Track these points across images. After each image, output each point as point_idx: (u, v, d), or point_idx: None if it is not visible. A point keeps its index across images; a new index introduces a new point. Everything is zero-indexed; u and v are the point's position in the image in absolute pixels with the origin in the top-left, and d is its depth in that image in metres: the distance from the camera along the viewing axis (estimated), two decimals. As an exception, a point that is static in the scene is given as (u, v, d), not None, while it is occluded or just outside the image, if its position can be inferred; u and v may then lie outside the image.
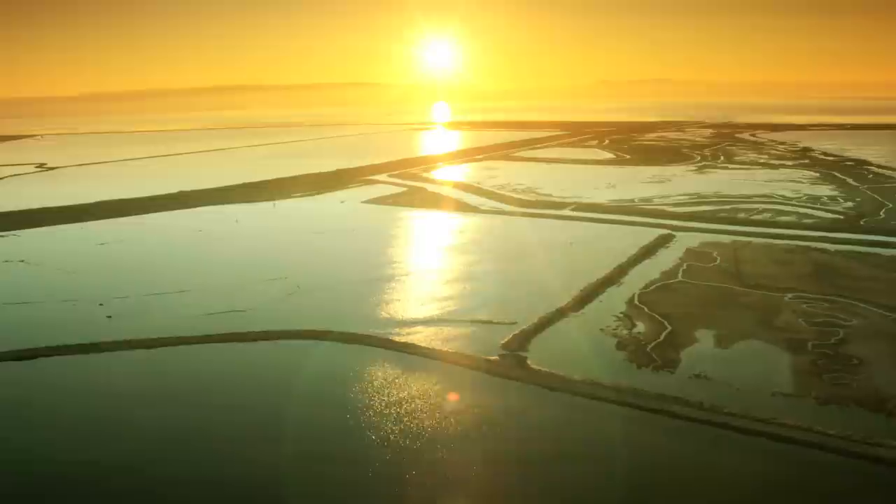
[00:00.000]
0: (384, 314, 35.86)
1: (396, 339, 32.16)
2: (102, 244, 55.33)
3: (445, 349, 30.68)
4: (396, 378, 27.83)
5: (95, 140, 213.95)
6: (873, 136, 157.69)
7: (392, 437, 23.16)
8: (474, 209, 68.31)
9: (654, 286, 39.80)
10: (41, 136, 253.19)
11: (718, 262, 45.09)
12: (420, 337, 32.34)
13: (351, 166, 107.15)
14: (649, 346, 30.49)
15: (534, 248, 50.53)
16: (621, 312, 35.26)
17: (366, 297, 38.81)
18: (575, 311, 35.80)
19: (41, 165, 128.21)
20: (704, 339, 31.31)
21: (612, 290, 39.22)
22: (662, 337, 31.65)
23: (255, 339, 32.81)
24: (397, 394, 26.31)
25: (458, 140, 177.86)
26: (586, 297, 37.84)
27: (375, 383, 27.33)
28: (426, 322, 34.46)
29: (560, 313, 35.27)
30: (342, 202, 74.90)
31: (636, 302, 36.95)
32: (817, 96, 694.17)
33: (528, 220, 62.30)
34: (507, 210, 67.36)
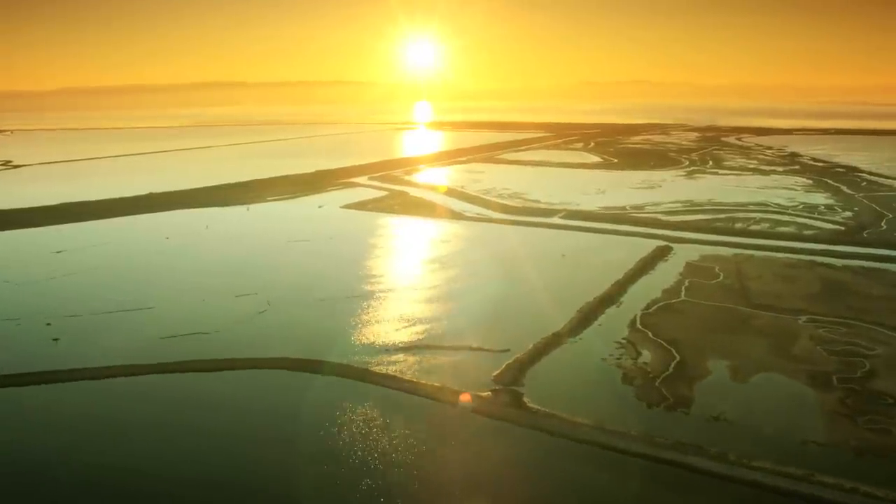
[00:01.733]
0: (363, 339, 32.41)
1: (376, 369, 28.76)
2: (60, 252, 51.27)
3: (431, 383, 27.32)
4: (375, 422, 24.41)
5: (69, 136, 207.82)
6: (859, 141, 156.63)
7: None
8: (459, 216, 65.00)
9: (656, 306, 36.75)
10: (11, 131, 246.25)
11: (721, 278, 42.19)
12: (402, 367, 28.97)
13: (331, 167, 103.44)
14: (658, 380, 27.37)
15: (524, 260, 47.33)
16: (623, 338, 32.14)
17: (342, 318, 35.33)
18: (573, 335, 32.62)
19: (6, 163, 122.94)
20: (718, 372, 28.26)
21: (611, 311, 36.10)
22: (671, 368, 28.56)
23: (217, 369, 29.22)
24: (375, 444, 22.88)
25: (441, 141, 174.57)
26: (584, 319, 34.69)
27: (351, 428, 23.89)
28: (409, 349, 31.08)
29: (556, 339, 32.06)
30: (320, 207, 71.21)
31: (639, 325, 33.87)
32: (799, 100, 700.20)
33: (516, 228, 59.11)
34: (493, 217, 64.10)
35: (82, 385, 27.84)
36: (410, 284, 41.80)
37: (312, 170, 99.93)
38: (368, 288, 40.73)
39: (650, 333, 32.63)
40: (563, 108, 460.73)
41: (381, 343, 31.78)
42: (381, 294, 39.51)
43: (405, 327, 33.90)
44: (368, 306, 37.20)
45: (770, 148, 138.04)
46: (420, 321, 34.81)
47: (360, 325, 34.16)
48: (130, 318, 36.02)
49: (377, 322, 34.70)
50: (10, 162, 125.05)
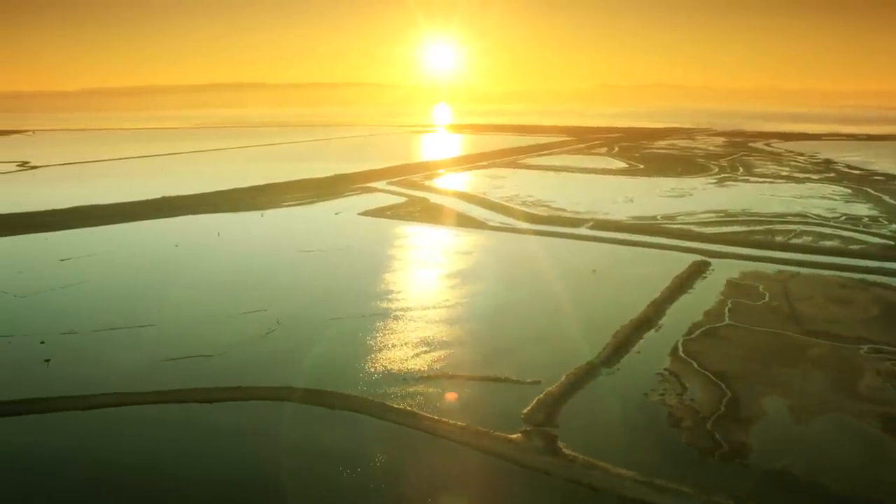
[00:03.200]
0: (378, 366, 29.62)
1: (392, 404, 25.95)
2: (65, 260, 49.08)
3: (453, 422, 24.45)
4: (392, 469, 21.60)
5: (87, 137, 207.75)
6: (893, 148, 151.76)
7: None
8: (481, 225, 62.11)
9: (698, 331, 33.63)
10: (33, 131, 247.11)
11: (767, 298, 38.93)
12: (422, 401, 26.14)
13: (348, 171, 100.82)
14: (710, 422, 24.30)
15: (551, 276, 44.32)
16: (665, 369, 29.09)
17: (356, 341, 32.58)
18: (609, 365, 29.63)
19: (23, 164, 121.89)
20: (776, 413, 25.13)
21: (650, 337, 33.04)
22: (723, 408, 25.47)
23: (218, 400, 26.60)
24: (391, 497, 20.09)
25: (461, 144, 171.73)
26: (620, 346, 31.66)
27: (364, 477, 21.09)
28: (429, 379, 28.25)
29: (591, 369, 29.09)
30: (337, 213, 68.65)
31: (681, 353, 30.79)
32: (823, 104, 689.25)
33: (542, 239, 56.10)
34: (517, 227, 61.16)
35: (68, 417, 25.31)
36: (430, 302, 38.93)
37: (330, 174, 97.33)
38: (385, 305, 37.95)
39: (695, 364, 29.54)
40: (584, 112, 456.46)
41: (398, 371, 28.99)
42: (398, 313, 36.71)
43: (425, 352, 31.06)
44: (385, 327, 34.42)
45: (801, 154, 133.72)
46: (441, 345, 31.97)
47: (375, 350, 31.38)
48: (130, 336, 33.56)
49: (394, 346, 31.88)
50: (27, 163, 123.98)
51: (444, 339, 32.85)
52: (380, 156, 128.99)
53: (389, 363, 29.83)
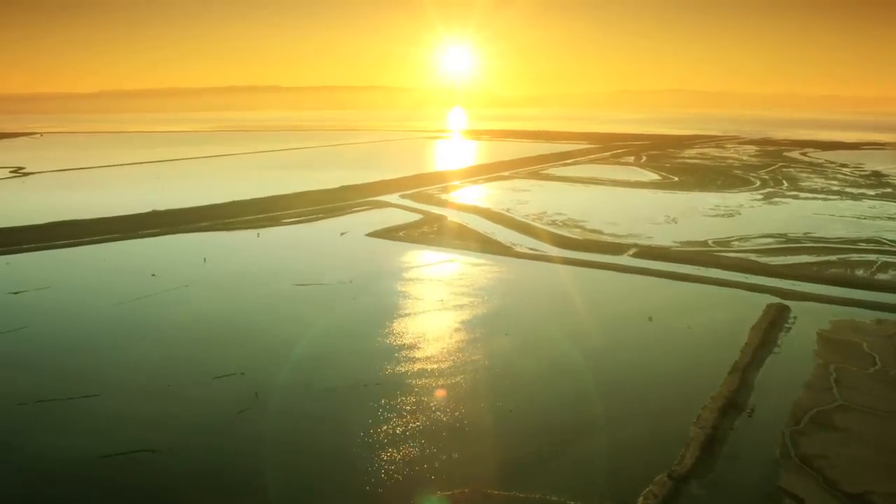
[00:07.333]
0: (381, 473, 21.59)
1: (399, 552, 17.95)
2: (17, 293, 41.67)
3: None
4: None
5: (93, 141, 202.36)
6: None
7: None
8: (506, 250, 53.91)
9: (806, 418, 25.34)
10: (40, 134, 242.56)
11: (880, 364, 30.55)
12: (441, 547, 18.13)
13: (358, 182, 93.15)
14: None
15: (597, 327, 36.01)
16: (780, 487, 20.83)
17: (354, 426, 24.56)
18: (699, 477, 21.42)
19: (17, 170, 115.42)
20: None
21: (743, 427, 24.80)
22: (886, 569, 17.26)
23: (151, 536, 18.73)
24: None
25: (479, 152, 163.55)
26: (708, 444, 23.42)
27: None
28: (450, 500, 20.19)
29: (678, 486, 20.90)
30: (342, 234, 60.74)
31: (795, 458, 22.52)
32: (849, 111, 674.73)
33: (579, 271, 47.81)
34: (548, 254, 52.89)
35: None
36: (448, 365, 30.74)
37: (337, 184, 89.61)
38: (392, 369, 29.91)
39: (821, 479, 21.28)
40: (603, 117, 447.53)
41: (407, 483, 20.98)
42: (409, 381, 28.67)
43: (442, 451, 23.00)
44: (391, 405, 26.38)
45: (845, 165, 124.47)
46: (464, 438, 23.90)
47: (378, 445, 23.34)
48: (63, 413, 25.87)
49: (403, 438, 23.81)
50: (21, 168, 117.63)
51: (469, 426, 24.78)
52: (393, 164, 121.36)
53: (396, 469, 21.80)
